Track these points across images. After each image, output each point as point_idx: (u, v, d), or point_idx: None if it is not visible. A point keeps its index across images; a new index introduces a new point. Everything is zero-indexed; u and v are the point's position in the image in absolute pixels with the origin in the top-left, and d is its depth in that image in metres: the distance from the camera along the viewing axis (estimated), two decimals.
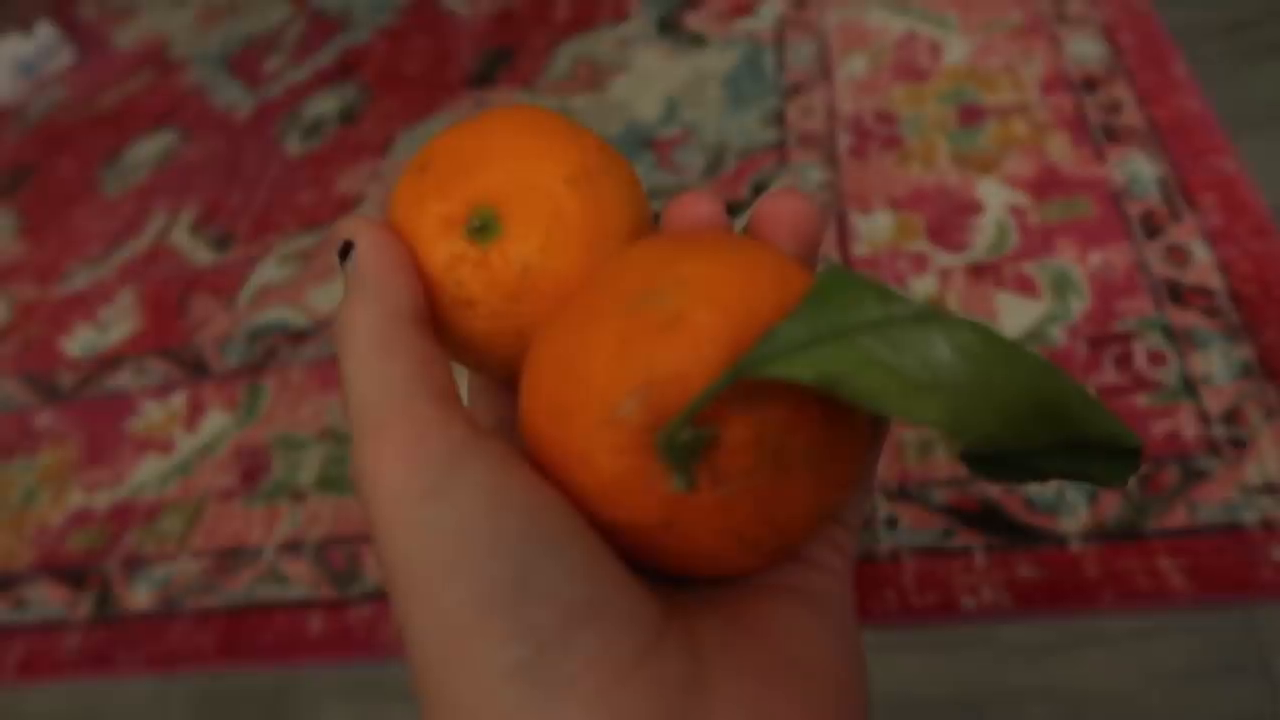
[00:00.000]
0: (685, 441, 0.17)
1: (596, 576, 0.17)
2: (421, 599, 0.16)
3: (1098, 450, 0.18)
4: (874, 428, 0.22)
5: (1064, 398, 0.17)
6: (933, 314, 0.17)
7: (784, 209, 0.21)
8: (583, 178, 0.22)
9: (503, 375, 0.23)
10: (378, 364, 0.19)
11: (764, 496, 0.18)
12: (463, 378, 0.62)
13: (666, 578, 0.21)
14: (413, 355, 0.19)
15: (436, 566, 0.16)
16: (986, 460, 0.18)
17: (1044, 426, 0.17)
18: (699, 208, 0.21)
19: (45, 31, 1.25)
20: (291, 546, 0.60)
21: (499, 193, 0.21)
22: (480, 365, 0.23)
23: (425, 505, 0.17)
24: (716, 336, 0.17)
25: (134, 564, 0.64)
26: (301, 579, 0.59)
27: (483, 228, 0.21)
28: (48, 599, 0.64)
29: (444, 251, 0.21)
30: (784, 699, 0.17)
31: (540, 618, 0.16)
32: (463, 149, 0.22)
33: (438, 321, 0.22)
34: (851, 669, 0.18)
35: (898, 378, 0.16)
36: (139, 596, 0.62)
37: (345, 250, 0.21)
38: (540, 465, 0.19)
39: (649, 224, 0.23)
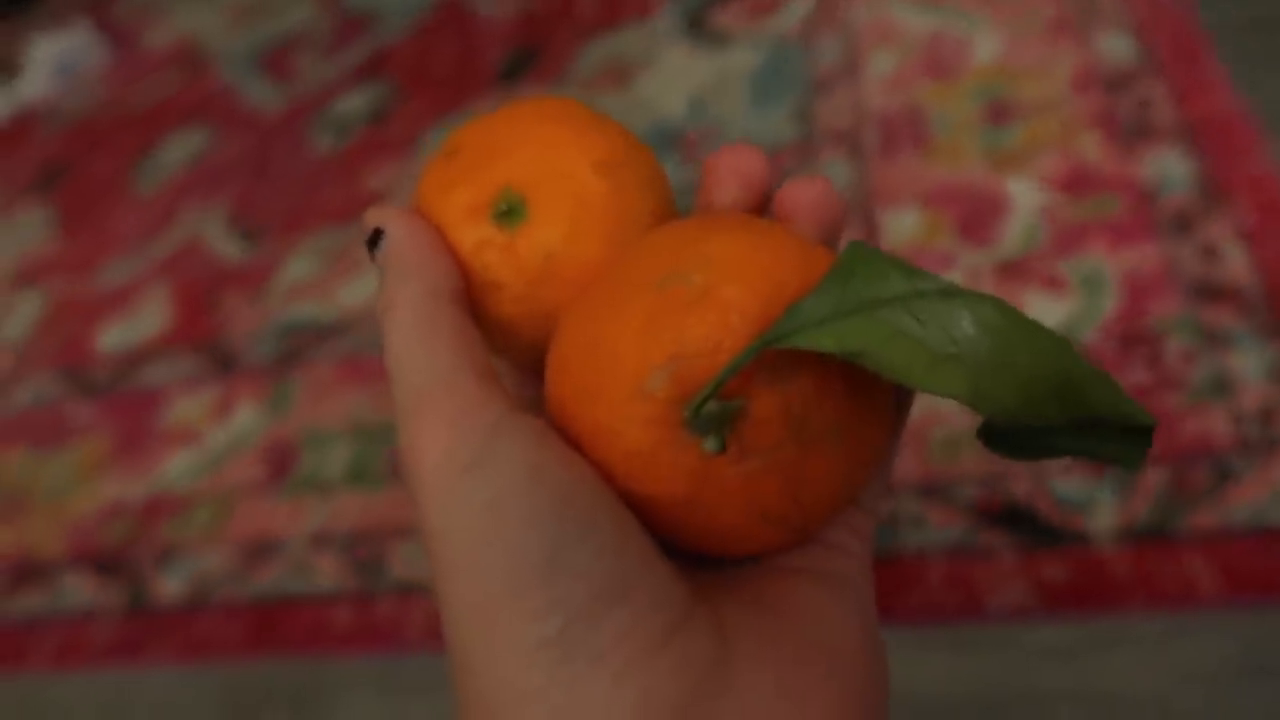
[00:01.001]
0: (713, 413, 0.17)
1: (627, 555, 0.17)
2: (459, 571, 0.17)
3: (1112, 429, 0.18)
4: (896, 409, 0.22)
5: (1082, 376, 0.17)
6: (957, 289, 0.17)
7: (806, 195, 0.21)
8: (608, 166, 0.22)
9: (527, 359, 0.24)
10: (421, 342, 0.19)
11: (789, 471, 0.18)
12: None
13: (691, 558, 0.21)
14: (455, 333, 0.19)
15: (473, 539, 0.17)
16: (1003, 437, 0.19)
17: (1061, 403, 0.17)
18: (741, 159, 0.22)
19: (81, 30, 1.27)
20: (319, 540, 0.61)
21: (526, 179, 0.22)
22: (505, 349, 0.23)
23: (465, 478, 0.17)
24: (744, 311, 0.18)
25: (165, 555, 0.65)
26: (328, 572, 0.59)
27: (509, 212, 0.21)
28: (81, 589, 0.65)
29: (471, 236, 0.21)
30: (807, 678, 0.17)
31: (571, 593, 0.16)
32: (490, 137, 0.22)
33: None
34: (871, 651, 0.19)
35: (922, 350, 0.16)
36: (170, 587, 0.63)
37: (374, 239, 0.21)
38: (568, 442, 0.19)
39: (673, 214, 0.23)
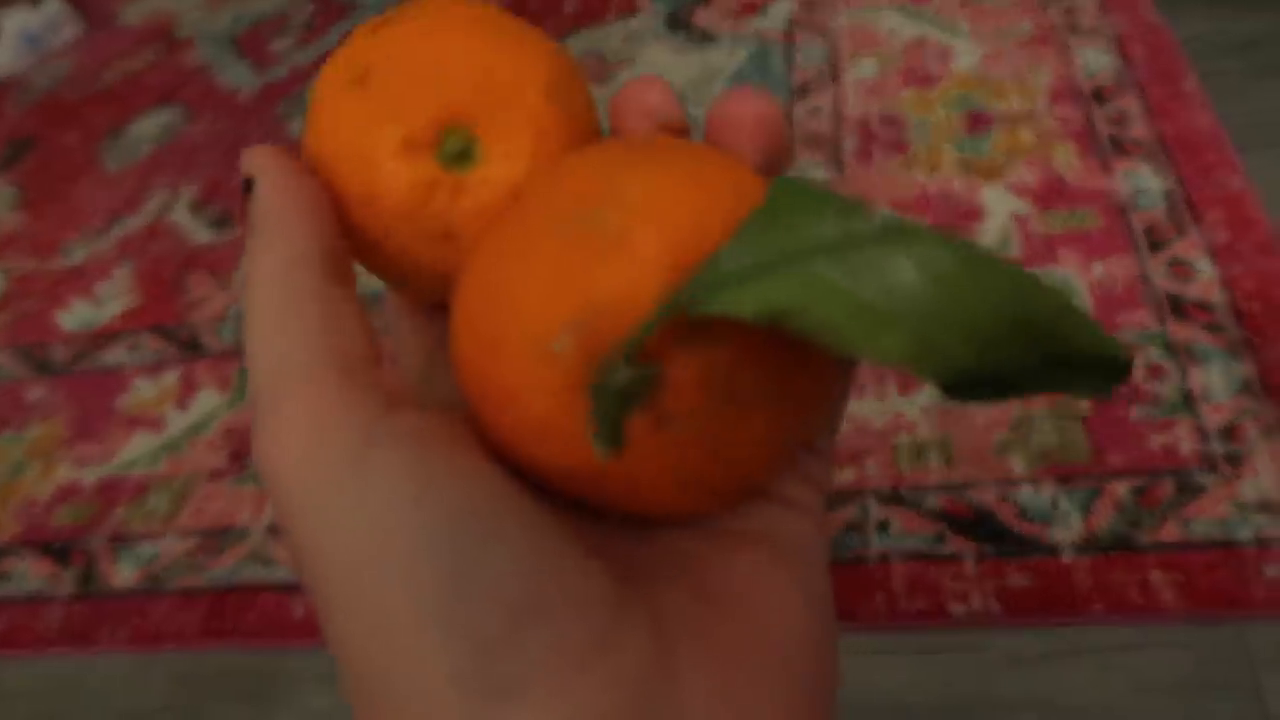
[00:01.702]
0: (622, 386, 0.15)
1: (543, 563, 0.15)
2: (347, 606, 0.15)
3: (1083, 364, 0.16)
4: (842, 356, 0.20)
5: (1044, 312, 0.15)
6: (898, 229, 0.15)
7: (745, 111, 0.18)
8: (558, 87, 0.19)
9: (436, 300, 0.21)
10: (275, 326, 0.16)
11: (716, 436, 0.16)
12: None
13: (618, 520, 0.19)
14: (317, 312, 0.16)
15: (357, 568, 0.15)
16: (963, 385, 0.16)
17: (1023, 345, 0.15)
18: (648, 95, 0.19)
19: (52, 4, 1.24)
20: (278, 529, 0.60)
21: (471, 108, 0.18)
22: (419, 291, 0.20)
23: (336, 497, 0.15)
24: (661, 260, 0.15)
25: (120, 541, 0.63)
26: (287, 561, 0.58)
27: (461, 154, 0.18)
28: (31, 573, 0.64)
29: (408, 178, 0.18)
30: (752, 676, 0.16)
31: (482, 620, 0.14)
32: (407, 54, 0.19)
33: (394, 260, 0.19)
34: (820, 634, 0.17)
35: (855, 308, 0.14)
36: (124, 573, 0.61)
37: (247, 187, 0.18)
38: (471, 398, 0.17)
39: (598, 137, 0.21)
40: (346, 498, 0.15)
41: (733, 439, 0.16)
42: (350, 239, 0.19)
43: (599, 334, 0.15)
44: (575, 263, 0.16)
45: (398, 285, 0.21)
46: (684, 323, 0.15)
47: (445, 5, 0.20)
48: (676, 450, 0.16)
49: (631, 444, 0.16)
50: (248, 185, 0.18)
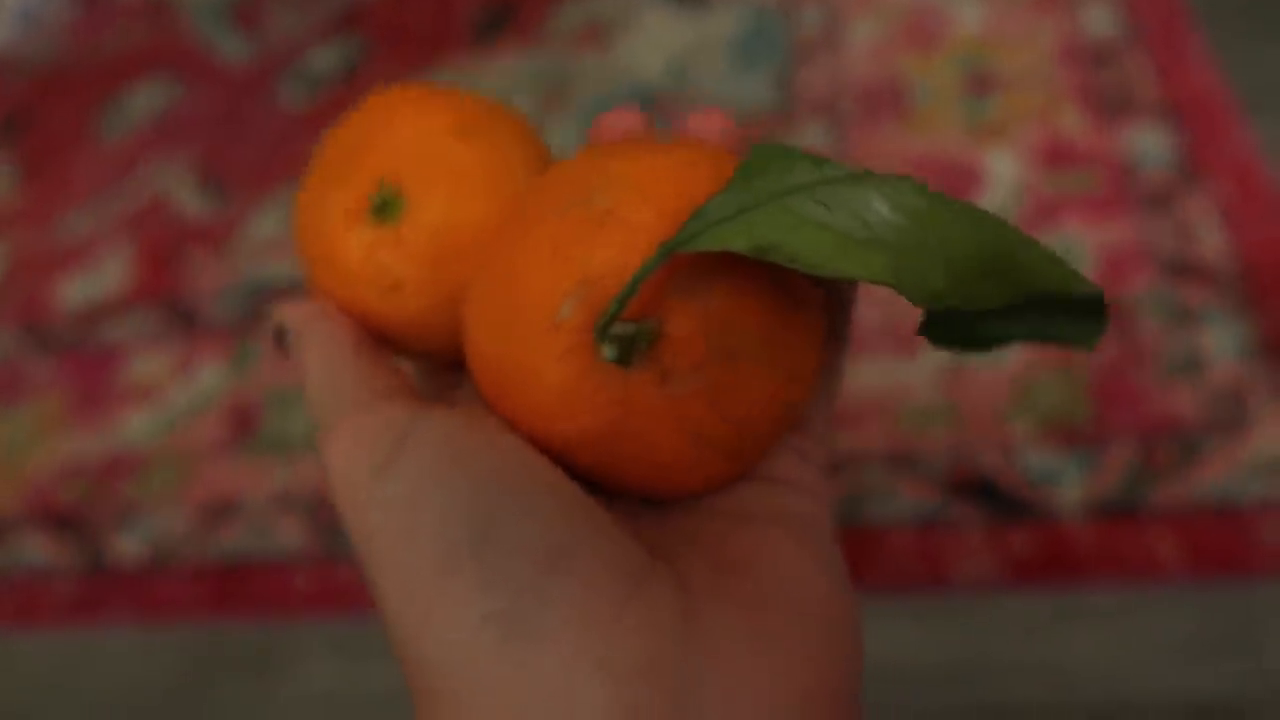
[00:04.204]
0: (625, 335, 0.16)
1: (571, 522, 0.16)
2: (387, 569, 0.16)
3: (1060, 308, 0.17)
4: (832, 315, 0.21)
5: (1014, 250, 0.16)
6: (868, 173, 0.16)
7: (710, 128, 0.21)
8: (468, 128, 0.21)
9: (452, 357, 0.23)
10: (329, 383, 0.20)
11: (717, 390, 0.17)
12: None
13: (636, 509, 0.20)
14: (357, 371, 0.20)
15: (395, 536, 0.16)
16: (947, 329, 0.17)
17: (996, 283, 0.16)
18: (623, 121, 0.21)
19: None
20: (281, 502, 0.60)
21: (393, 168, 0.21)
22: (426, 349, 0.22)
23: (377, 480, 0.17)
24: (650, 226, 0.17)
25: (124, 516, 0.63)
26: (291, 534, 0.58)
27: (384, 205, 0.21)
28: (37, 549, 0.64)
29: (357, 243, 0.21)
30: (778, 628, 0.16)
31: (513, 567, 0.15)
32: (347, 138, 0.22)
33: (372, 322, 0.22)
34: (838, 594, 0.18)
35: (834, 236, 0.15)
36: (128, 548, 0.62)
37: (280, 338, 0.22)
38: (490, 393, 0.19)
39: (550, 162, 0.22)
40: (386, 483, 0.17)
41: (733, 393, 0.17)
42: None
43: (598, 299, 0.16)
44: (572, 239, 0.17)
45: (398, 352, 0.23)
46: (680, 282, 0.16)
47: (378, 94, 0.22)
48: (682, 405, 0.17)
49: (639, 401, 0.17)
50: (279, 333, 0.22)
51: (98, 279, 0.82)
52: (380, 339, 0.22)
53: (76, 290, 0.82)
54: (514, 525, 0.16)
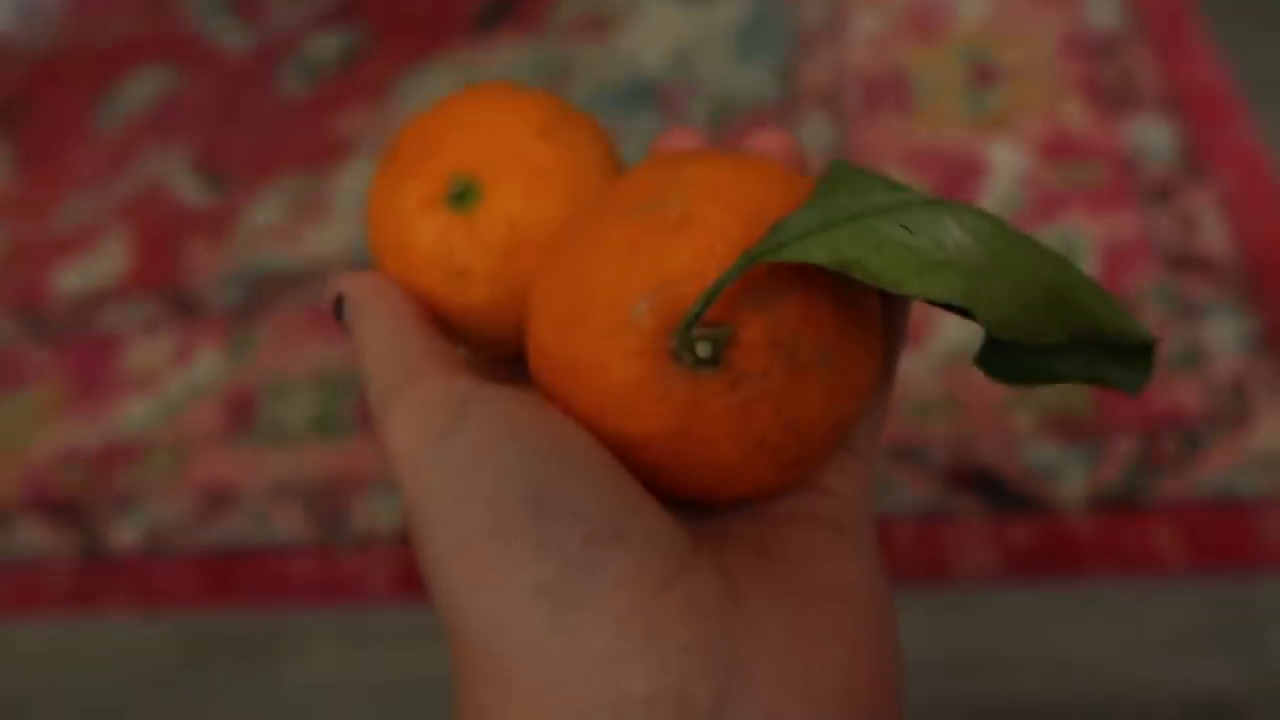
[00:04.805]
0: (705, 338, 0.17)
1: (621, 499, 0.16)
2: (440, 530, 0.16)
3: (1112, 349, 0.18)
4: (887, 338, 0.21)
5: (1077, 286, 0.17)
6: (941, 201, 0.17)
7: (772, 145, 0.21)
8: (550, 128, 0.22)
9: (510, 350, 0.23)
10: (387, 354, 0.20)
11: (782, 398, 0.17)
12: None
13: (683, 508, 0.20)
14: (419, 342, 0.20)
15: (451, 498, 0.16)
16: (1002, 360, 0.18)
17: (1058, 314, 0.16)
18: (683, 140, 0.21)
19: None
20: (280, 490, 0.60)
21: (473, 160, 0.21)
22: (485, 340, 0.23)
23: (439, 446, 0.17)
24: (727, 233, 0.17)
25: (121, 503, 0.63)
26: (290, 523, 0.58)
27: (463, 194, 0.21)
28: (35, 536, 0.64)
29: (430, 228, 0.21)
30: (820, 620, 0.17)
31: (564, 536, 0.16)
32: (426, 131, 0.22)
33: (438, 307, 0.22)
34: (879, 595, 0.18)
35: (914, 256, 0.16)
36: (126, 536, 0.61)
37: (338, 305, 0.22)
38: (550, 387, 0.19)
39: (623, 169, 0.23)
40: (444, 450, 0.17)
41: (797, 402, 0.18)
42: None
43: (674, 301, 0.17)
44: (647, 241, 0.17)
45: (460, 340, 0.23)
46: (753, 291, 0.17)
47: (457, 92, 0.23)
48: (746, 410, 0.17)
49: (706, 405, 0.17)
50: (338, 303, 0.22)
51: (95, 267, 0.82)
52: (441, 326, 0.23)
53: (74, 278, 0.82)
54: (568, 497, 0.16)
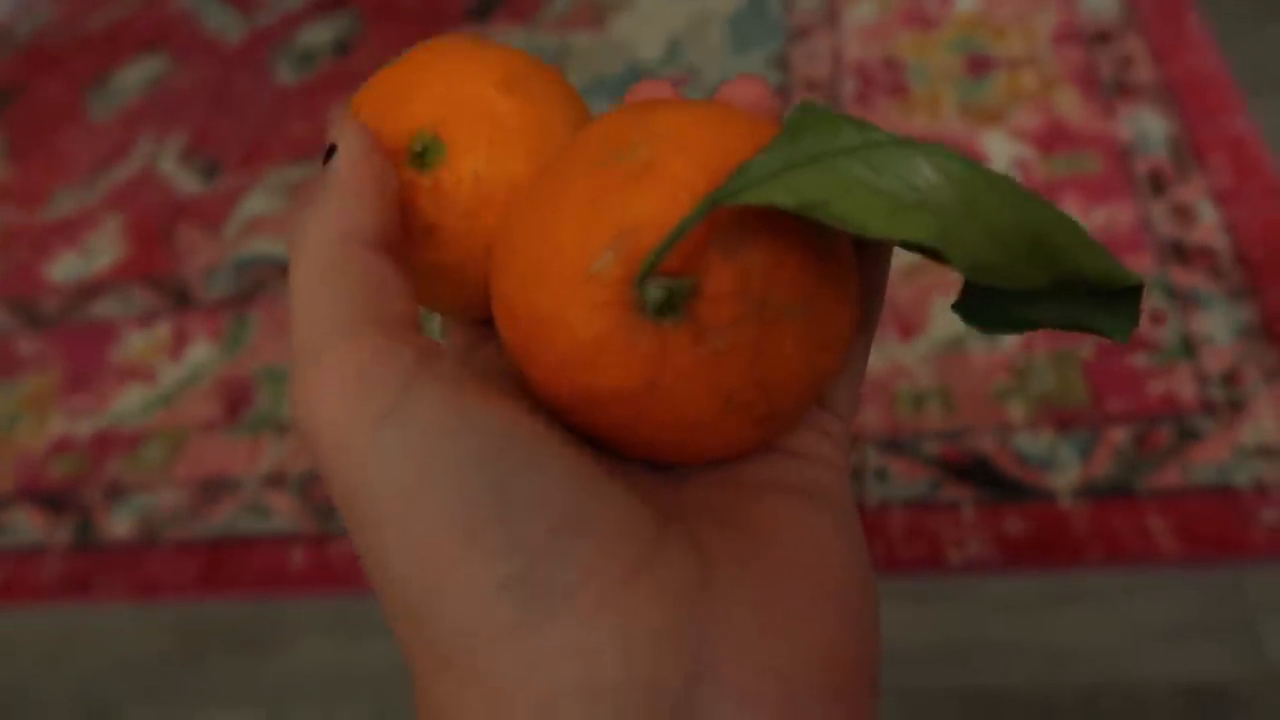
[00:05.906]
0: (663, 290, 0.16)
1: (583, 486, 0.16)
2: (392, 528, 0.15)
3: (1096, 295, 0.17)
4: (866, 292, 0.21)
5: (1056, 230, 0.16)
6: (912, 140, 0.16)
7: (746, 93, 0.20)
8: (513, 81, 0.21)
9: (479, 312, 0.22)
10: (323, 287, 0.17)
11: (751, 351, 0.17)
12: None
13: (652, 473, 0.20)
14: (365, 281, 0.17)
15: (403, 492, 0.15)
16: (981, 307, 0.17)
17: (1038, 258, 0.16)
18: (656, 92, 0.21)
19: None
20: (274, 479, 0.60)
21: (434, 115, 0.21)
22: (454, 302, 0.22)
23: (380, 430, 0.15)
24: (691, 180, 0.16)
25: (115, 492, 0.63)
26: (284, 512, 0.58)
27: (424, 151, 0.21)
28: (28, 525, 0.64)
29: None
30: (795, 598, 0.16)
31: (530, 529, 0.15)
32: (387, 89, 0.22)
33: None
34: (856, 566, 0.18)
35: (882, 197, 0.15)
36: (119, 524, 0.61)
37: (329, 155, 0.19)
38: (516, 345, 0.18)
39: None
40: (389, 431, 0.15)
41: (768, 355, 0.17)
42: None
43: (637, 249, 0.16)
44: (610, 190, 0.17)
45: (427, 301, 0.23)
46: (719, 238, 0.16)
47: (421, 45, 0.22)
48: (715, 363, 0.17)
49: (673, 358, 0.16)
50: (329, 151, 0.19)
51: (88, 256, 0.81)
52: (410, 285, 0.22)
53: (67, 267, 0.81)
54: (530, 484, 0.15)
